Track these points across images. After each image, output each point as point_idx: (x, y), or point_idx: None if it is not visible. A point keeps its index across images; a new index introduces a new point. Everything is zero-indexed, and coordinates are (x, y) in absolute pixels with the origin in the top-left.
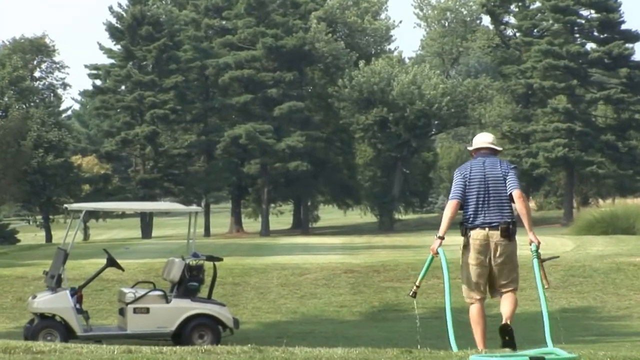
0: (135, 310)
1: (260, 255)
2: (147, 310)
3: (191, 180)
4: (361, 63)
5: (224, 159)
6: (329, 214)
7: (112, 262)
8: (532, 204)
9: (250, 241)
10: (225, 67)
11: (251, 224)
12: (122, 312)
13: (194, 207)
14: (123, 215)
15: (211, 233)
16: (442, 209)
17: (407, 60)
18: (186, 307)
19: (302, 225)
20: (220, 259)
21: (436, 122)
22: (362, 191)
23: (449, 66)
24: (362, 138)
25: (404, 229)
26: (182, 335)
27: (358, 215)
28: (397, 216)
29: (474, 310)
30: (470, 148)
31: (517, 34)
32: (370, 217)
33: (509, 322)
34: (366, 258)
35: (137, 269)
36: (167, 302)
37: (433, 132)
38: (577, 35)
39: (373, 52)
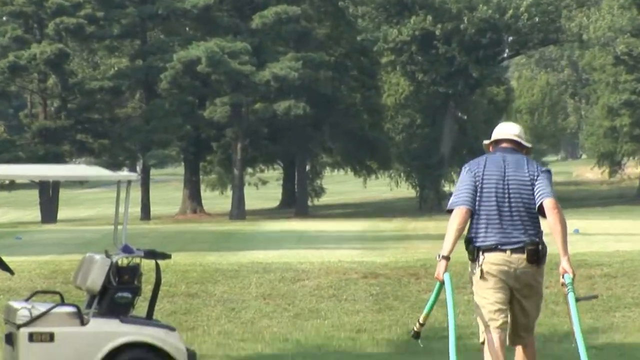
0: (31, 337)
1: (230, 250)
2: (50, 337)
3: (120, 131)
4: None
5: (173, 96)
6: (339, 185)
7: None
8: None
9: (215, 227)
10: None
11: (217, 201)
12: (9, 339)
13: (124, 174)
14: (12, 186)
15: (152, 215)
16: None
17: None
18: (112, 332)
19: (298, 202)
20: (167, 256)
21: (510, 38)
22: (393, 148)
23: None
24: (393, 64)
25: None
26: None
27: (386, 187)
28: (446, 188)
29: (495, 342)
30: (486, 142)
31: None
32: (404, 190)
33: None
34: (398, 255)
35: (35, 270)
36: (83, 323)
37: (506, 55)
38: None
39: None
